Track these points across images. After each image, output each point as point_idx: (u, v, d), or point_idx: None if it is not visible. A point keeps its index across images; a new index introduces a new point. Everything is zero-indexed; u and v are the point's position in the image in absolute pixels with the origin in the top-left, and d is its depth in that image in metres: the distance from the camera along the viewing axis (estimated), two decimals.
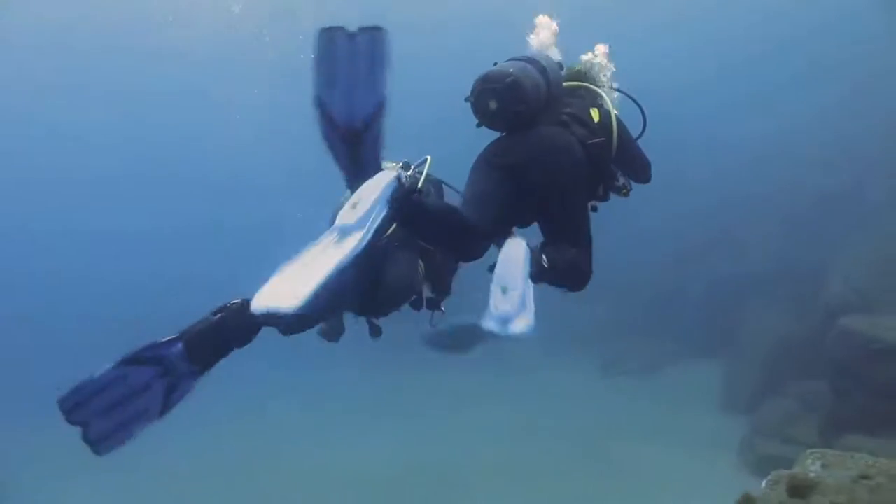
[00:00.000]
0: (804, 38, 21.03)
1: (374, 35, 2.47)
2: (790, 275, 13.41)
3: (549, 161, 3.01)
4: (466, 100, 3.12)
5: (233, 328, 2.55)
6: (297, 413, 14.08)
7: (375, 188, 2.44)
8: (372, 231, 2.36)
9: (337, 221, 2.37)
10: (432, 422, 12.64)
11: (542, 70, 3.16)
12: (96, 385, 2.36)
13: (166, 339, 2.46)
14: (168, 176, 25.36)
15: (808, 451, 3.73)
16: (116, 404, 2.38)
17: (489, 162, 3.12)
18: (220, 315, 2.56)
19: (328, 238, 2.37)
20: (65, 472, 11.18)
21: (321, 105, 2.50)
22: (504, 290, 2.53)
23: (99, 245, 25.35)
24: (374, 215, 2.38)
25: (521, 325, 2.45)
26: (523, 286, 2.56)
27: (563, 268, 2.93)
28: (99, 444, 2.37)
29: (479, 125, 3.20)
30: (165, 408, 2.45)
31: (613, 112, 3.35)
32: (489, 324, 2.46)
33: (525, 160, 3.02)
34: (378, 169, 2.58)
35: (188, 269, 23.15)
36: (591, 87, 3.51)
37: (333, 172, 2.63)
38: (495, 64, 3.17)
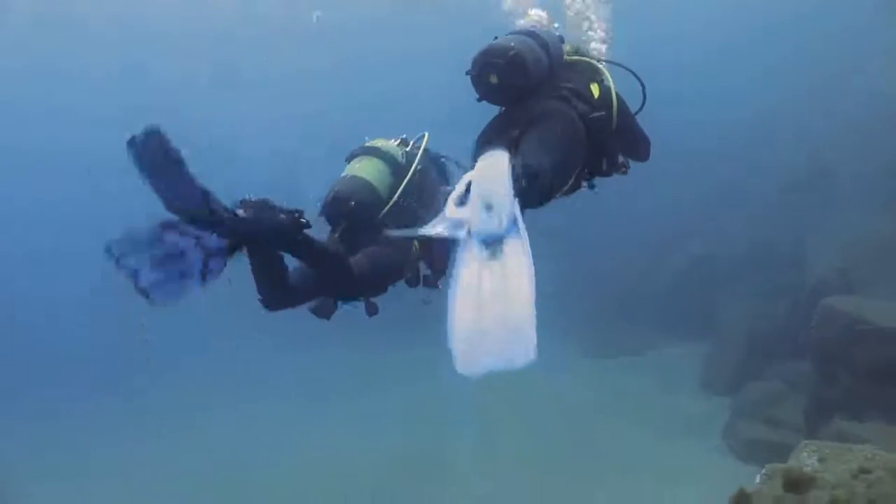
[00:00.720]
0: (777, 27, 21.03)
1: (153, 133, 2.48)
2: (767, 258, 13.36)
3: (546, 129, 2.94)
4: (467, 73, 3.11)
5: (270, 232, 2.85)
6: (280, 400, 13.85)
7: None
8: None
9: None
10: (410, 406, 12.43)
11: (544, 44, 3.16)
12: (139, 237, 2.54)
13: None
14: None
15: (804, 442, 3.65)
16: (160, 260, 2.56)
17: (491, 140, 2.99)
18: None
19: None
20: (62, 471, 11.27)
21: (172, 210, 2.61)
22: (489, 208, 2.27)
23: None
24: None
25: (515, 247, 2.22)
26: (510, 203, 2.29)
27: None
28: (152, 291, 2.54)
29: (479, 99, 3.20)
30: (204, 276, 2.66)
31: (613, 87, 3.31)
32: (473, 246, 2.24)
33: (522, 132, 2.96)
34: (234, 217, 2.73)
35: None
36: (591, 60, 3.48)
37: None
38: (496, 38, 3.16)
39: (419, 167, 3.91)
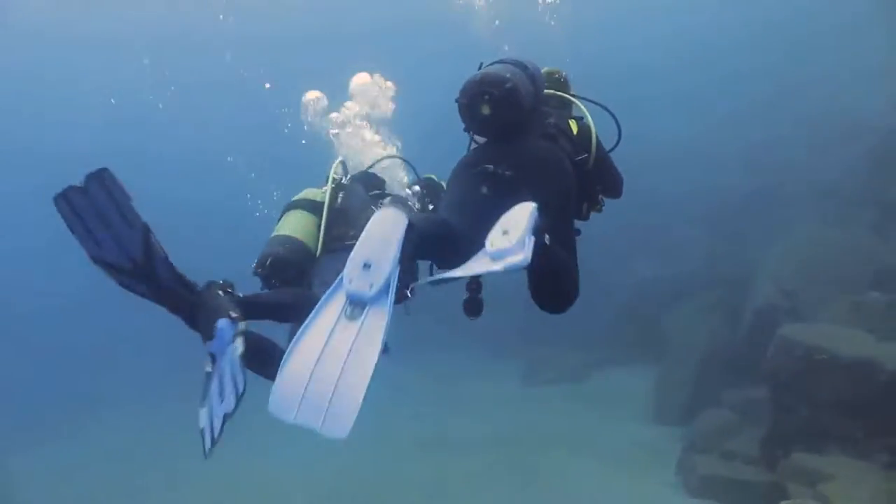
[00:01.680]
0: (728, 40, 21.22)
1: (100, 178, 2.43)
2: (717, 277, 13.18)
3: (542, 178, 2.82)
4: (456, 101, 2.96)
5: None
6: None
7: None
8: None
9: (346, 282, 2.25)
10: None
11: (532, 77, 3.01)
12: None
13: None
14: None
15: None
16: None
17: (473, 171, 2.92)
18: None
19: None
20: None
21: (99, 262, 2.51)
22: (504, 232, 2.32)
23: None
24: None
25: (516, 259, 2.25)
26: (526, 233, 2.30)
27: (559, 262, 2.70)
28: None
29: (465, 129, 3.10)
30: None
31: (593, 126, 3.15)
32: (482, 260, 2.33)
33: (516, 174, 2.83)
34: (183, 284, 2.60)
35: None
36: (565, 95, 3.36)
37: None
38: (481, 66, 3.04)
39: (339, 197, 3.92)
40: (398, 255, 2.26)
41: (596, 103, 3.34)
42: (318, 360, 2.12)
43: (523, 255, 2.26)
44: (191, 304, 2.63)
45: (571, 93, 3.42)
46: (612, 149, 3.32)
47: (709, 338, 11.59)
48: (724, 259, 13.61)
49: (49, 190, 2.38)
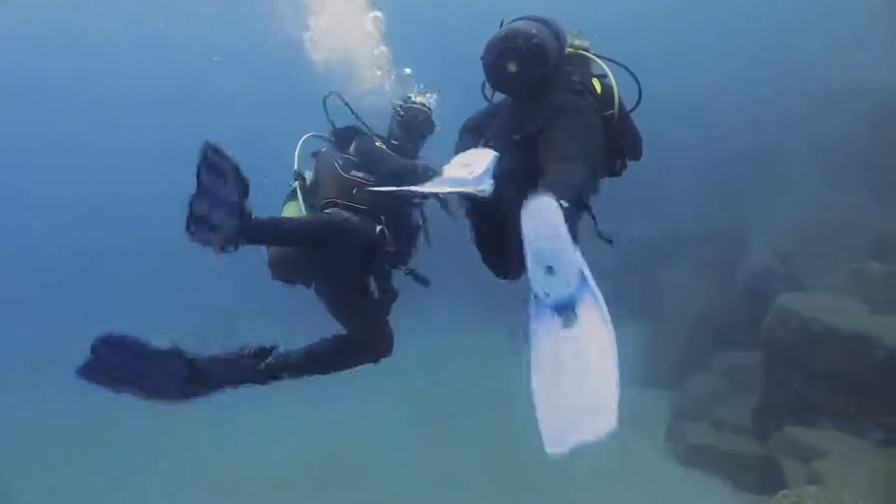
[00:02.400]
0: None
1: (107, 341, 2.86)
2: (711, 236, 12.97)
3: (574, 129, 2.74)
4: (481, 59, 2.90)
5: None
6: None
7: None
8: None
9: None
10: (335, 396, 11.58)
11: (556, 33, 2.95)
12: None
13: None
14: None
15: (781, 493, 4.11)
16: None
17: (503, 136, 2.88)
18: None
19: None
20: None
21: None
22: (550, 270, 2.11)
23: None
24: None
25: (590, 312, 2.08)
26: (575, 260, 2.12)
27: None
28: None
29: (491, 87, 3.05)
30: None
31: (615, 85, 3.07)
32: (544, 316, 2.12)
33: (545, 127, 2.75)
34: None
35: None
36: (587, 54, 3.23)
37: None
38: (502, 23, 2.99)
39: (306, 176, 4.09)
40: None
41: (616, 62, 3.22)
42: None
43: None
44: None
45: (592, 52, 3.30)
46: (633, 108, 3.22)
47: (701, 299, 11.46)
48: (719, 217, 13.37)
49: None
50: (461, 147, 3.03)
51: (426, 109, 4.19)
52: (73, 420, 11.37)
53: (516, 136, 2.82)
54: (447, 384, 11.61)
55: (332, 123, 4.18)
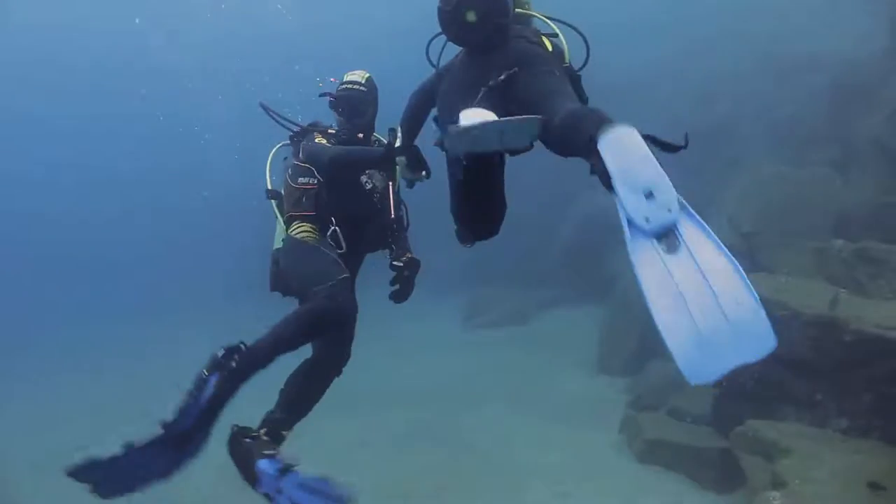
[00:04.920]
0: None
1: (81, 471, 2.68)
2: None
3: (539, 71, 2.70)
4: (439, 9, 2.82)
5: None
6: None
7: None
8: None
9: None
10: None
11: None
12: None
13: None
14: None
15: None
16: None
17: (472, 85, 2.71)
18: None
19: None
20: None
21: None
22: (650, 196, 2.02)
23: None
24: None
25: (694, 231, 1.99)
26: (670, 183, 2.04)
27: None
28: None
29: (448, 39, 2.95)
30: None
31: (565, 44, 3.02)
32: (643, 245, 1.99)
33: (511, 76, 2.69)
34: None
35: None
36: (535, 14, 3.16)
37: None
38: None
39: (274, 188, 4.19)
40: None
41: (565, 23, 3.12)
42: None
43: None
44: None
45: (540, 12, 3.21)
46: (581, 68, 3.09)
47: None
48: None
49: None
50: (442, 107, 2.95)
51: (357, 87, 4.09)
52: None
53: (492, 83, 2.67)
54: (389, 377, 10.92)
55: (290, 129, 4.22)
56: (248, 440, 2.98)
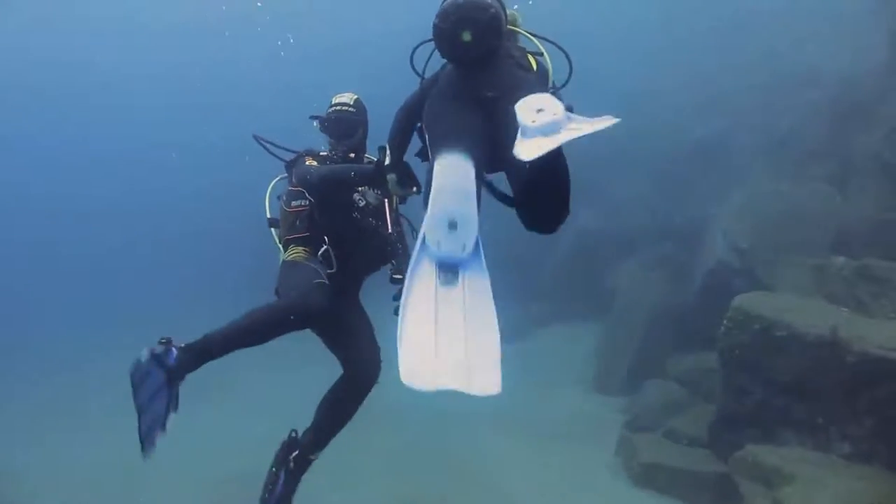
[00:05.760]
0: None
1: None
2: (665, 230, 12.32)
3: (518, 92, 2.57)
4: (434, 25, 2.85)
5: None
6: None
7: (466, 194, 2.33)
8: None
9: (433, 246, 2.24)
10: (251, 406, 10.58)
11: (503, 6, 2.98)
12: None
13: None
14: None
15: None
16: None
17: (461, 95, 2.85)
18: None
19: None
20: None
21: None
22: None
23: None
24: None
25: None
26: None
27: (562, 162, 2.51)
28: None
29: (442, 55, 2.97)
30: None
31: (549, 65, 3.10)
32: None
33: (502, 95, 2.71)
34: None
35: None
36: (521, 31, 3.29)
37: None
38: None
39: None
40: (477, 206, 2.20)
41: (548, 41, 3.21)
42: (436, 330, 2.00)
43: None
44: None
45: (527, 30, 3.30)
46: (563, 85, 3.16)
47: (656, 297, 10.75)
48: (671, 211, 12.74)
49: None
50: (436, 116, 2.93)
51: (346, 108, 4.21)
52: None
53: (489, 94, 2.75)
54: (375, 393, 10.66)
55: (282, 159, 4.31)
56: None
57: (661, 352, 9.75)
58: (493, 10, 2.78)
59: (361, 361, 4.03)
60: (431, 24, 2.87)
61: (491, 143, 2.62)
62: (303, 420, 4.22)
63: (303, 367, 8.15)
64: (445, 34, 2.82)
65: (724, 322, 6.79)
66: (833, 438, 6.19)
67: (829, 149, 10.83)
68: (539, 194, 2.60)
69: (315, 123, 4.25)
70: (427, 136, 2.95)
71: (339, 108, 4.22)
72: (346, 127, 4.17)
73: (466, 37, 2.77)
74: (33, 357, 15.78)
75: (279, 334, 3.51)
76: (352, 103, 4.24)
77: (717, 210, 11.02)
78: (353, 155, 4.17)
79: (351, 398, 4.01)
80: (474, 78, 2.87)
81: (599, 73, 17.36)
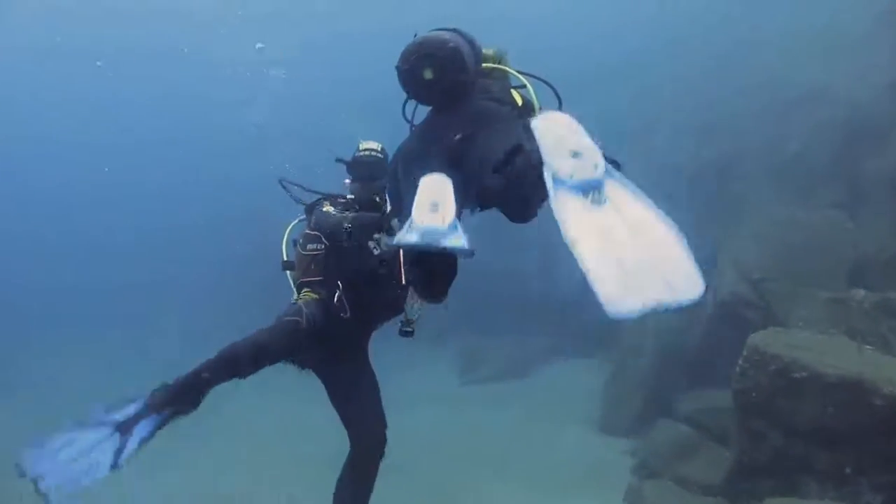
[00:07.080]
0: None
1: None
2: None
3: (495, 134, 2.65)
4: (396, 67, 2.91)
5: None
6: None
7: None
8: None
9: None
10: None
11: (470, 41, 3.00)
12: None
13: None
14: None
15: None
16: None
17: (433, 142, 2.79)
18: None
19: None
20: None
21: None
22: (576, 154, 2.15)
23: None
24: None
25: (620, 190, 2.12)
26: (599, 149, 2.20)
27: None
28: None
29: (409, 96, 3.03)
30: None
31: (536, 100, 3.01)
32: (568, 196, 2.09)
33: (471, 134, 2.70)
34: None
35: None
36: (505, 68, 3.21)
37: None
38: (415, 36, 2.97)
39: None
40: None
41: (536, 77, 3.18)
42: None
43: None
44: None
45: (513, 67, 3.26)
46: None
47: (664, 331, 10.24)
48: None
49: None
50: (403, 167, 2.90)
51: (375, 153, 4.30)
52: None
53: (458, 136, 2.69)
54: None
55: (302, 202, 4.37)
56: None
57: (669, 389, 9.23)
58: (451, 45, 2.81)
59: (367, 436, 4.27)
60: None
61: (462, 187, 2.50)
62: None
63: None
64: (408, 75, 2.88)
65: (739, 363, 6.30)
66: (863, 490, 5.67)
67: (836, 171, 10.43)
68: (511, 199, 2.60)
69: (344, 167, 4.33)
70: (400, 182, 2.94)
71: (367, 152, 4.32)
72: (374, 171, 4.24)
73: (428, 74, 2.81)
74: (34, 357, 15.69)
75: (277, 353, 3.64)
76: (380, 149, 4.37)
77: (723, 234, 10.58)
78: (377, 198, 4.22)
79: (361, 479, 4.23)
80: (446, 119, 2.87)
81: (598, 95, 17.16)
